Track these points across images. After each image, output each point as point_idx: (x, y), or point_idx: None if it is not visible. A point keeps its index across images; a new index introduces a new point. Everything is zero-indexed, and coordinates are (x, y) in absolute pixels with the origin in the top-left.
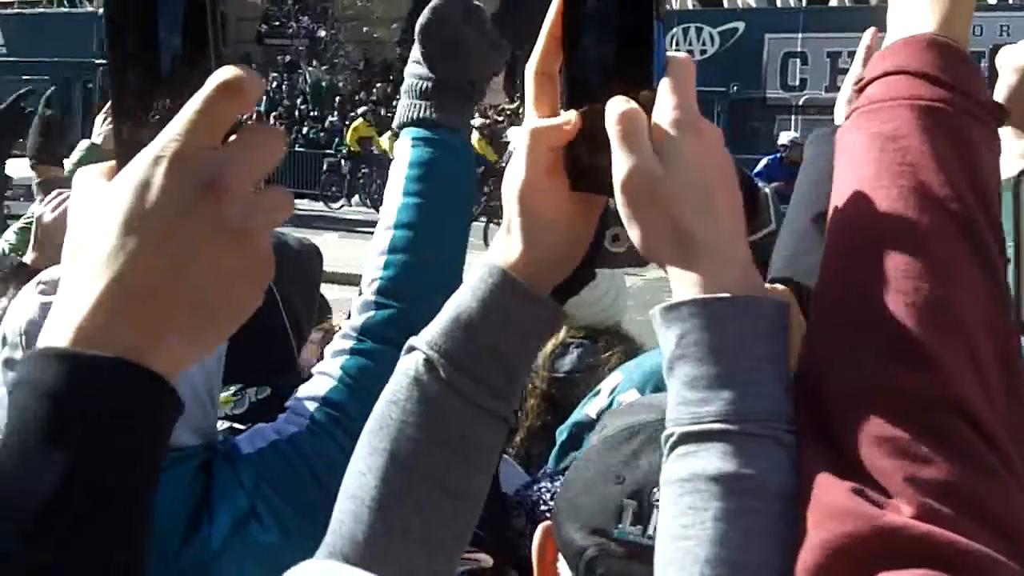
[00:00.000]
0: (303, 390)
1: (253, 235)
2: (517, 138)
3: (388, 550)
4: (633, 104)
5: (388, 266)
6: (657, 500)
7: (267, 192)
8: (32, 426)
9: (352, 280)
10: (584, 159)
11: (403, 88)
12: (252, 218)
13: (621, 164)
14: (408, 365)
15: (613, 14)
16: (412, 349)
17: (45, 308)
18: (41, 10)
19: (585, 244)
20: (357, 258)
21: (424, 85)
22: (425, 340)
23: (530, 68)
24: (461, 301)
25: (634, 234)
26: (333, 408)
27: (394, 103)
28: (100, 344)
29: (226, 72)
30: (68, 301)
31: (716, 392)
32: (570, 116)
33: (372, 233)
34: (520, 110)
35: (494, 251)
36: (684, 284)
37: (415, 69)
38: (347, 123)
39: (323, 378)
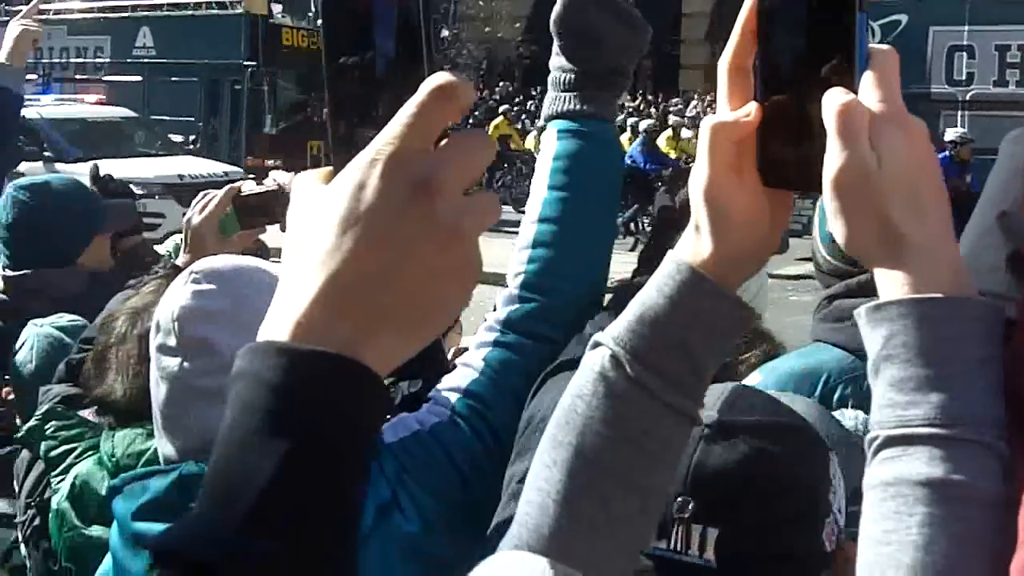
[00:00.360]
0: (446, 381)
1: (463, 236)
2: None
3: (573, 544)
4: (852, 96)
5: (532, 260)
6: (677, 512)
7: (477, 195)
8: (251, 417)
9: (493, 280)
10: (777, 154)
11: (549, 80)
12: (463, 219)
13: (837, 157)
14: (594, 360)
15: (813, 5)
16: (598, 345)
17: (196, 295)
18: (190, 13)
19: (776, 240)
20: (499, 257)
21: (567, 77)
22: (611, 336)
23: (723, 63)
24: (647, 298)
25: (839, 230)
26: (474, 399)
27: (516, 100)
28: (317, 339)
29: (440, 77)
30: (287, 297)
31: (924, 395)
32: (749, 108)
33: (515, 232)
34: (640, 106)
35: (682, 248)
36: (892, 283)
37: (556, 61)
38: (470, 122)
39: (466, 369)
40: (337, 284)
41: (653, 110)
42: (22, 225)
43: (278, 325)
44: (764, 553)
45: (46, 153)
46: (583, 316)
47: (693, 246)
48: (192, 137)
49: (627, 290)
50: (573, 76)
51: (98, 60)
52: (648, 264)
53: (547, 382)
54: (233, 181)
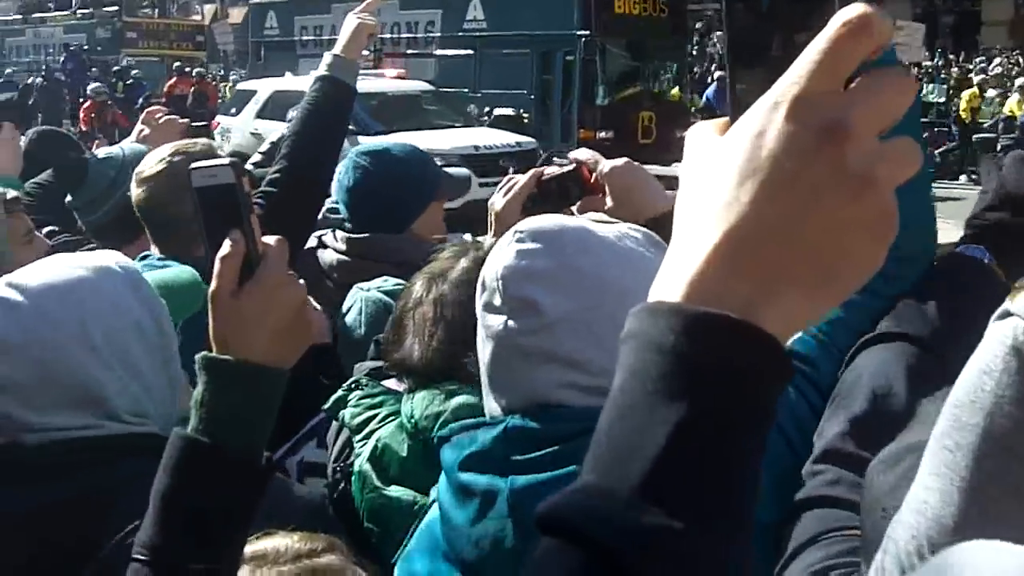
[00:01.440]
0: None
1: (877, 186)
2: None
3: (982, 537)
4: None
5: None
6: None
7: (894, 141)
8: (640, 381)
9: None
10: None
11: None
12: (876, 167)
13: None
14: (1004, 332)
15: None
16: (1007, 315)
17: (521, 254)
18: None
19: None
20: None
21: None
22: None
23: None
24: None
25: None
26: (799, 360)
27: None
28: (712, 299)
29: (854, 9)
30: (680, 254)
31: None
32: None
33: None
34: (939, 64)
35: None
36: None
37: None
38: None
39: None
40: (734, 239)
41: (954, 69)
42: (362, 189)
43: (671, 284)
44: None
45: (350, 127)
46: (916, 267)
47: None
48: (487, 109)
49: (962, 260)
50: None
51: (429, 35)
52: (978, 237)
53: (860, 353)
54: (526, 152)
